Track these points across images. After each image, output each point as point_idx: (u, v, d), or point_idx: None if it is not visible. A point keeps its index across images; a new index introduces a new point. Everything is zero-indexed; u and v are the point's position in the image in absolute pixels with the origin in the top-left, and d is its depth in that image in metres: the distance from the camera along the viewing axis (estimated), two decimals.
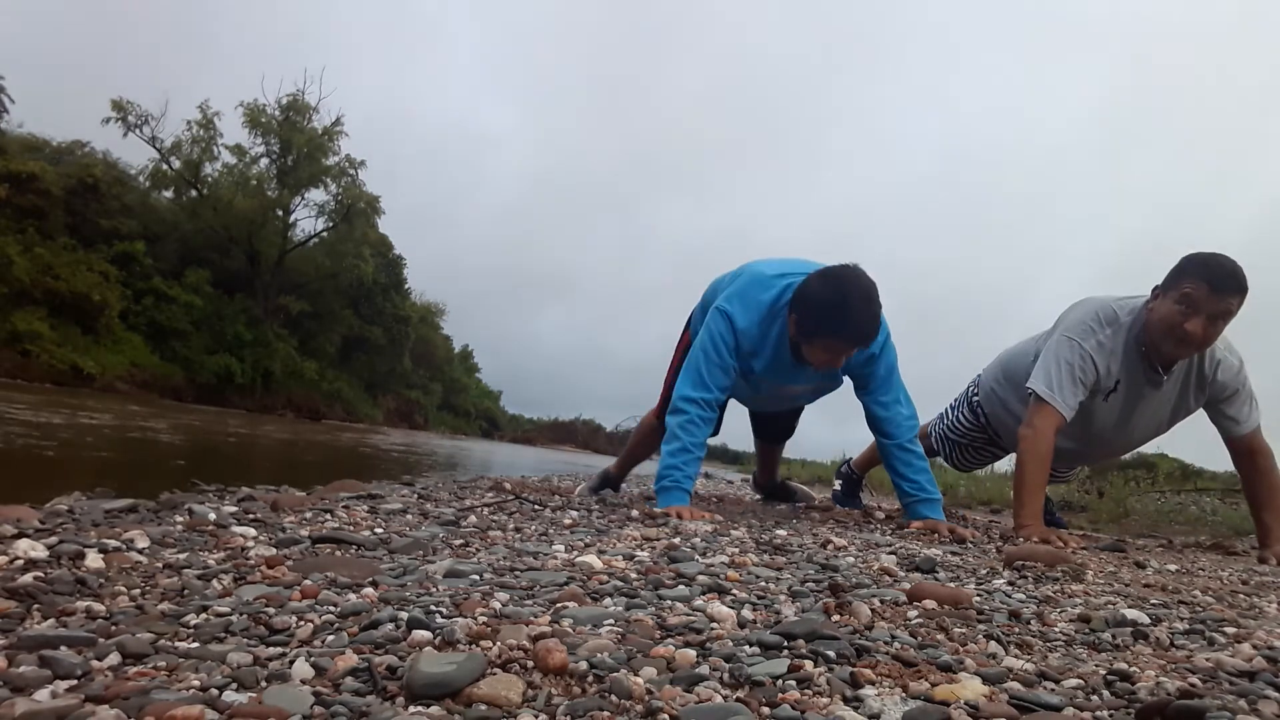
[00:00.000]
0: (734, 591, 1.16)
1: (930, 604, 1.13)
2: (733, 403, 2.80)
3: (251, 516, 1.68)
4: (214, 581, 1.07)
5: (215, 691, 0.68)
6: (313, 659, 0.75)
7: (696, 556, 1.45)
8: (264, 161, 30.12)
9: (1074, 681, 0.81)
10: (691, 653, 0.83)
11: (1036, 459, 2.35)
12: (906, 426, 2.46)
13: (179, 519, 1.58)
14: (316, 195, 30.87)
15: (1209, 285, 2.19)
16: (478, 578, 1.17)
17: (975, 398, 3.02)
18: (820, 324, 2.26)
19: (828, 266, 2.32)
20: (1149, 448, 3.47)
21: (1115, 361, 2.41)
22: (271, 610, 0.93)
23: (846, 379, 2.59)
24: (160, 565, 1.17)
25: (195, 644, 0.81)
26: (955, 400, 3.16)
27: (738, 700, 0.71)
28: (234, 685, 0.69)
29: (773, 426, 3.28)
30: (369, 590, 1.05)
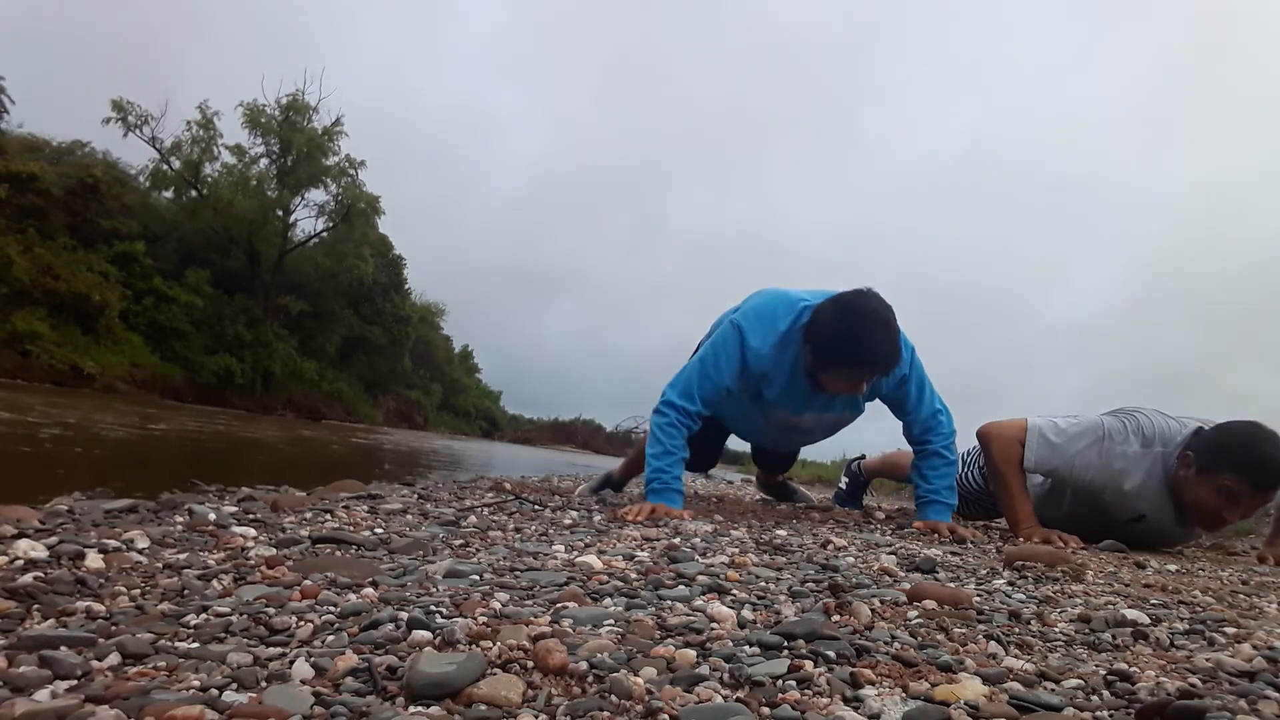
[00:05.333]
0: (734, 591, 1.17)
1: (930, 604, 1.13)
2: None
3: (251, 517, 1.68)
4: (214, 582, 1.07)
5: (215, 691, 0.68)
6: (313, 659, 0.75)
7: (696, 557, 1.45)
8: (264, 161, 30.13)
9: (1074, 681, 0.81)
10: (691, 653, 0.83)
11: (1011, 464, 2.34)
12: (945, 433, 2.43)
13: (179, 519, 1.59)
14: (316, 195, 30.89)
15: (1252, 485, 2.10)
16: (478, 578, 1.17)
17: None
18: (836, 353, 2.20)
19: (841, 293, 2.25)
20: None
21: (1132, 480, 2.28)
22: (271, 610, 0.93)
23: (865, 407, 2.52)
24: (160, 565, 1.17)
25: (195, 644, 0.81)
26: (968, 457, 3.00)
27: (738, 700, 0.71)
28: (234, 685, 0.69)
29: (773, 458, 3.27)
30: (369, 590, 1.05)
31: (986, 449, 2.43)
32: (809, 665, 0.80)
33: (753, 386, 2.39)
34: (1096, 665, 0.89)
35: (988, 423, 2.48)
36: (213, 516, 1.60)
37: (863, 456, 3.54)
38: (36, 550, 1.14)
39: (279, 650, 0.80)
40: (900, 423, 2.49)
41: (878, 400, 2.49)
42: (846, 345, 2.17)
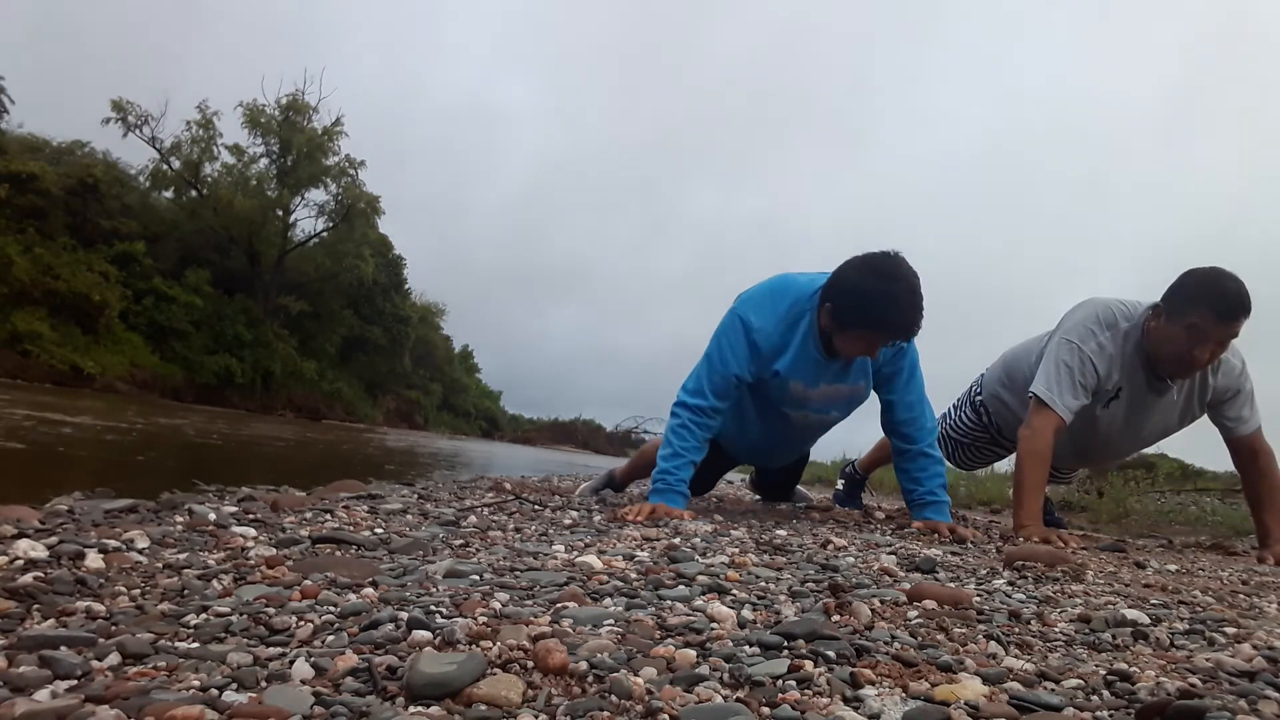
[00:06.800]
0: (734, 591, 1.17)
1: (930, 604, 1.13)
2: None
3: (251, 516, 1.68)
4: (214, 582, 1.07)
5: (215, 691, 0.68)
6: (313, 659, 0.75)
7: (696, 556, 1.45)
8: (264, 161, 30.20)
9: (1074, 681, 0.81)
10: (691, 653, 0.83)
11: (1035, 459, 2.36)
12: (929, 430, 2.42)
13: (179, 519, 1.59)
14: (316, 195, 30.96)
15: (1216, 316, 2.20)
16: (478, 578, 1.17)
17: (978, 397, 3.02)
18: (861, 314, 2.15)
19: (869, 253, 2.18)
20: (1150, 447, 3.48)
21: (1115, 366, 2.42)
22: (271, 610, 0.93)
23: (870, 392, 2.48)
24: (160, 565, 1.17)
25: (195, 644, 0.81)
26: (958, 399, 3.17)
27: (738, 700, 0.71)
28: (234, 685, 0.69)
29: (778, 478, 3.19)
30: (369, 590, 1.05)
31: (1021, 445, 2.45)
32: (809, 665, 0.80)
33: (764, 367, 2.32)
34: (1096, 665, 0.89)
35: (1020, 427, 2.51)
36: (213, 516, 1.60)
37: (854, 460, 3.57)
38: (36, 550, 1.14)
39: (279, 650, 0.80)
40: (880, 405, 2.46)
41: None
42: (873, 305, 2.12)
